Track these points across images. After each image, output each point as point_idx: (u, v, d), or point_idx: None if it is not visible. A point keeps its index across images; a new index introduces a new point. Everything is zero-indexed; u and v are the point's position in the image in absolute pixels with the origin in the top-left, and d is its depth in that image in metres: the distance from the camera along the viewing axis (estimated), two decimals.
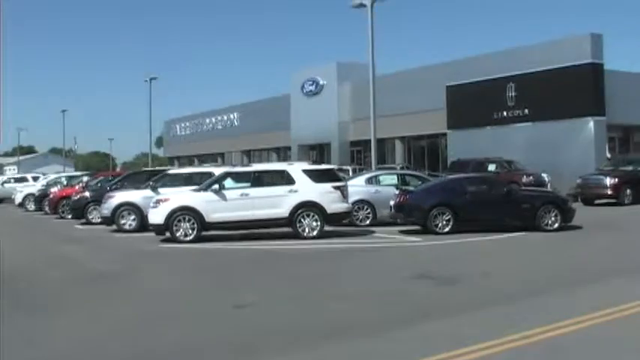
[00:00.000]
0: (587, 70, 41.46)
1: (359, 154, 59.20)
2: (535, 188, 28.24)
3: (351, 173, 46.33)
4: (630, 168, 34.97)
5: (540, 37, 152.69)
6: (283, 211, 20.72)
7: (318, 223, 20.88)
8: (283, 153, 70.25)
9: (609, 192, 33.06)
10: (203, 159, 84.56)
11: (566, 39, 43.65)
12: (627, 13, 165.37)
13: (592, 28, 48.57)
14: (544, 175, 38.19)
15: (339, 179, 22.43)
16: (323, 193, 21.04)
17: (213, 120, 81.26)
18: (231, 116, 77.24)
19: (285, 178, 21.26)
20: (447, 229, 21.13)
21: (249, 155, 75.29)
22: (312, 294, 12.31)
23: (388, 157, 57.24)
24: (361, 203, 24.71)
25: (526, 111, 44.24)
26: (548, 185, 37.45)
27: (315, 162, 63.25)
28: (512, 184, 36.50)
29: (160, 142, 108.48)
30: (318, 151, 65.95)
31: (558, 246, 18.69)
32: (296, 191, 20.89)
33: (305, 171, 21.52)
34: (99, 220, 27.11)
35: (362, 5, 34.04)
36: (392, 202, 22.26)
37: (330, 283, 13.48)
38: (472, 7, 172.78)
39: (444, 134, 50.53)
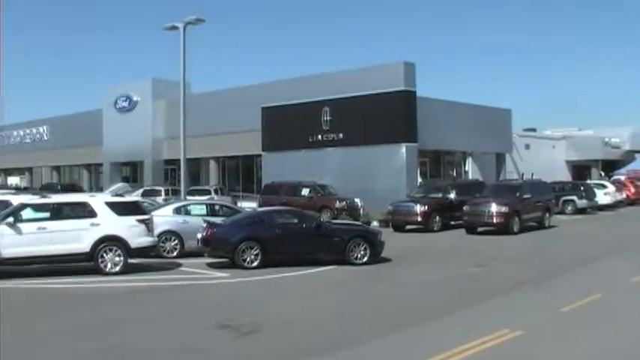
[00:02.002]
0: (400, 96, 42.39)
1: (173, 173, 58.22)
2: (345, 221, 28.23)
3: (163, 194, 45.58)
4: (440, 195, 35.93)
5: (357, 63, 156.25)
6: (84, 246, 19.55)
7: (121, 258, 19.86)
8: (95, 169, 68.14)
9: (419, 219, 33.79)
10: (9, 173, 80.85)
11: (380, 66, 44.47)
12: (438, 44, 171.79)
13: (405, 57, 49.76)
14: (357, 200, 38.62)
15: (143, 212, 21.44)
16: (127, 227, 20.04)
17: (21, 133, 77.50)
18: (41, 130, 74.00)
19: (86, 211, 20.07)
20: (255, 264, 20.70)
21: (59, 171, 72.54)
22: (104, 350, 11.36)
23: (203, 176, 56.58)
24: (169, 234, 23.95)
25: (340, 135, 44.68)
26: (361, 210, 37.87)
27: (127, 179, 61.98)
28: (325, 209, 37.04)
29: None
30: (130, 169, 64.39)
31: (363, 284, 18.46)
32: (98, 225, 19.77)
33: (108, 203, 20.43)
34: None
35: (174, 27, 33.18)
36: (199, 235, 21.57)
37: (126, 335, 12.53)
38: (292, 29, 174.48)
39: (259, 155, 50.27)
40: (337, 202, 38.25)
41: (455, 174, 52.03)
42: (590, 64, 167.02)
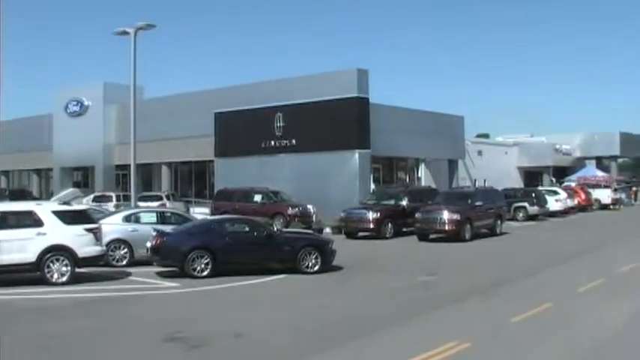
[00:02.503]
0: (353, 103, 42.35)
1: (125, 178, 57.52)
2: (297, 230, 28.06)
3: (114, 200, 45.10)
4: (392, 202, 35.96)
5: (310, 69, 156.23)
6: (30, 255, 19.09)
7: (68, 268, 19.44)
8: (45, 174, 67.11)
9: (371, 226, 33.81)
10: None
11: (333, 73, 44.45)
12: (390, 51, 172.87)
13: (358, 64, 49.44)
14: (309, 206, 38.49)
15: (92, 221, 21.03)
16: (74, 236, 19.64)
17: None
18: None
19: (32, 220, 19.57)
20: (205, 273, 20.48)
21: (8, 176, 71.13)
22: None
23: (155, 182, 56.07)
24: (118, 242, 23.62)
25: (293, 141, 44.54)
26: (314, 217, 37.78)
27: (78, 185, 61.14)
28: (277, 216, 36.90)
29: None
30: (82, 174, 63.55)
31: (312, 294, 18.32)
32: (44, 234, 19.33)
33: (55, 212, 19.99)
34: None
35: (125, 33, 32.77)
36: (148, 244, 21.28)
37: (68, 351, 12.24)
38: (246, 34, 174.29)
39: (212, 161, 49.94)
40: (290, 208, 38.13)
41: (408, 180, 52.16)
42: (542, 72, 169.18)
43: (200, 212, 41.65)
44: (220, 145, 48.65)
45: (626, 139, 73.83)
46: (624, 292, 17.71)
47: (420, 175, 52.73)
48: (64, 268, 19.44)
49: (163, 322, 14.58)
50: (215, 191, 45.71)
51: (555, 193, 52.40)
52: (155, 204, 42.81)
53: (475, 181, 55.21)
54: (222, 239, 21.25)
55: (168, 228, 22.65)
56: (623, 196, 65.87)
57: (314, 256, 21.55)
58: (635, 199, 73.00)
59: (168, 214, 26.03)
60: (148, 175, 56.52)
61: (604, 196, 60.85)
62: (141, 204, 39.69)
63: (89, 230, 20.11)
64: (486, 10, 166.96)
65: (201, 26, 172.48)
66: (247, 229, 22.25)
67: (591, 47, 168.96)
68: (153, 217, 25.13)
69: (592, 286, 18.47)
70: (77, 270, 19.85)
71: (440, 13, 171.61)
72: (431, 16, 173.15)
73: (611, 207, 60.30)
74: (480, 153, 63.17)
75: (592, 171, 69.00)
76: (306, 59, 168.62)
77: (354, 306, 16.45)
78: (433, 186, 45.94)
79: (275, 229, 27.77)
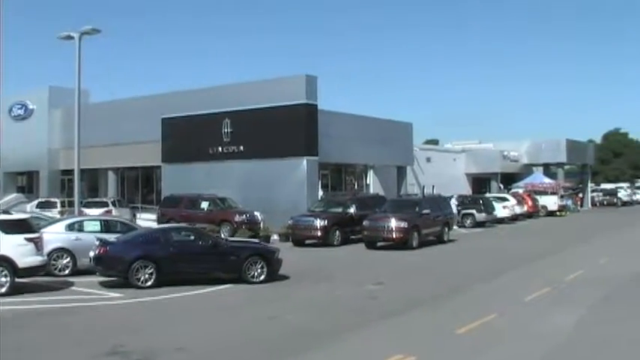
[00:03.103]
0: (301, 109, 42.18)
1: (70, 183, 56.50)
2: (243, 239, 27.73)
3: (59, 206, 44.38)
4: (340, 209, 35.89)
5: (258, 74, 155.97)
6: None
7: (8, 279, 18.94)
8: None
9: (319, 234, 33.73)
10: None
11: (282, 78, 44.17)
12: (339, 57, 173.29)
13: (307, 70, 48.69)
14: (257, 213, 38.26)
15: (33, 230, 20.50)
16: (14, 246, 19.12)
17: None
18: None
19: None
20: (149, 283, 20.19)
21: None
22: None
23: (101, 188, 55.31)
24: (60, 251, 23.12)
25: (241, 148, 44.23)
26: (261, 224, 37.55)
27: (22, 190, 60.06)
28: (224, 223, 36.60)
29: None
30: (26, 179, 62.45)
31: (256, 305, 18.06)
32: None
33: None
34: None
35: (70, 37, 32.23)
36: (92, 254, 20.85)
37: None
38: (193, 39, 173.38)
39: (159, 167, 49.41)
40: (237, 215, 37.84)
41: (356, 187, 52.11)
42: (490, 78, 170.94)
43: (146, 218, 41.20)
44: (167, 150, 48.13)
45: (573, 146, 74.90)
46: (570, 301, 17.82)
47: (368, 181, 52.68)
48: (4, 279, 18.95)
49: (106, 334, 14.27)
50: (162, 197, 45.19)
51: (503, 199, 52.96)
52: (101, 210, 42.19)
53: (424, 187, 55.32)
54: (167, 249, 20.93)
55: (112, 237, 22.21)
56: (569, 202, 66.84)
57: (259, 266, 21.37)
58: (581, 206, 74.09)
59: (113, 223, 25.54)
60: (94, 180, 55.87)
61: (551, 202, 61.66)
62: (86, 210, 39.13)
63: (30, 239, 19.63)
64: (436, 16, 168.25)
65: (148, 30, 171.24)
66: (192, 238, 21.94)
67: (537, 53, 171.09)
68: (97, 226, 24.59)
69: (538, 294, 18.58)
70: (17, 280, 19.35)
71: (389, 18, 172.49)
72: (380, 21, 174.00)
73: (558, 213, 61.10)
74: (428, 160, 63.42)
75: (539, 178, 69.84)
76: (255, 64, 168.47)
77: (298, 317, 16.26)
78: (382, 192, 46.06)
79: (222, 236, 27.51)
